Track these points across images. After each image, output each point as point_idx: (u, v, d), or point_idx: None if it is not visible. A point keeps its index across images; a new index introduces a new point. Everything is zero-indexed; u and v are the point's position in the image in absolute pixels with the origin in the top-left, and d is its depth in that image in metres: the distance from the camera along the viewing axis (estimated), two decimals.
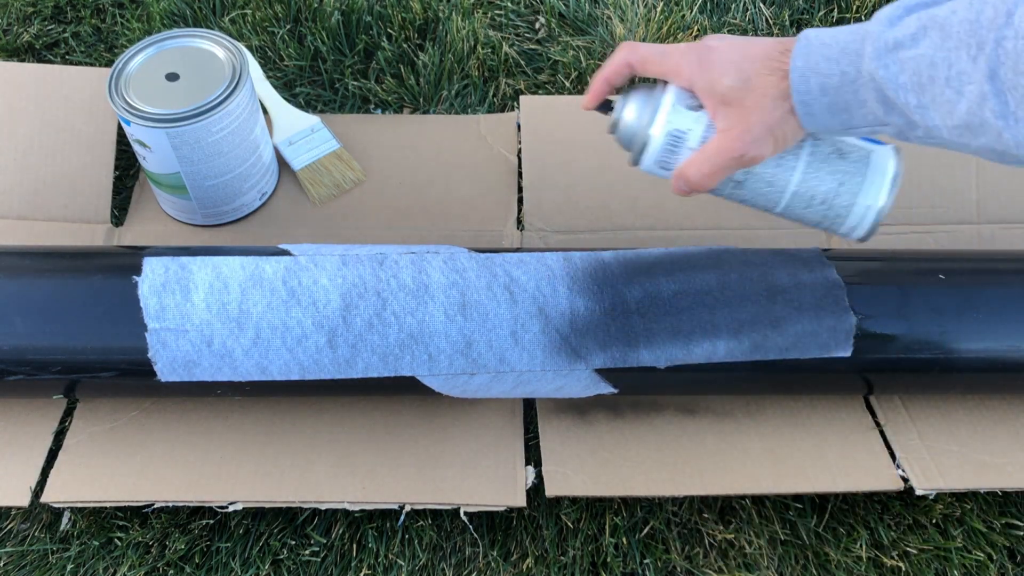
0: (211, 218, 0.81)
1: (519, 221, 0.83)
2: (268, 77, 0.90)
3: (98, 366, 0.63)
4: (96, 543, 0.67)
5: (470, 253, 0.66)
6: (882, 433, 0.72)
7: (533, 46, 0.97)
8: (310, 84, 0.93)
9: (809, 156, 0.56)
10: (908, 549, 0.68)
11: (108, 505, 0.68)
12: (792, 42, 0.50)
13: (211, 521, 0.69)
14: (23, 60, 0.96)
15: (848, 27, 0.49)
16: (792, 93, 0.50)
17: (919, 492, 0.68)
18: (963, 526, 0.69)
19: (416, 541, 0.68)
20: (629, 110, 0.57)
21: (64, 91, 0.84)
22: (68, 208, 0.82)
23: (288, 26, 0.96)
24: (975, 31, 0.43)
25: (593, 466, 0.69)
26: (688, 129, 0.55)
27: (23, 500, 0.66)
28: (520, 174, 0.85)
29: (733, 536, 0.69)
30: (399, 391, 0.68)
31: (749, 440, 0.71)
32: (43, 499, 0.66)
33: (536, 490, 0.69)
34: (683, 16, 0.98)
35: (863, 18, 0.98)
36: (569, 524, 0.69)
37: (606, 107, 0.59)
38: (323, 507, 0.68)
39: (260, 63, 0.92)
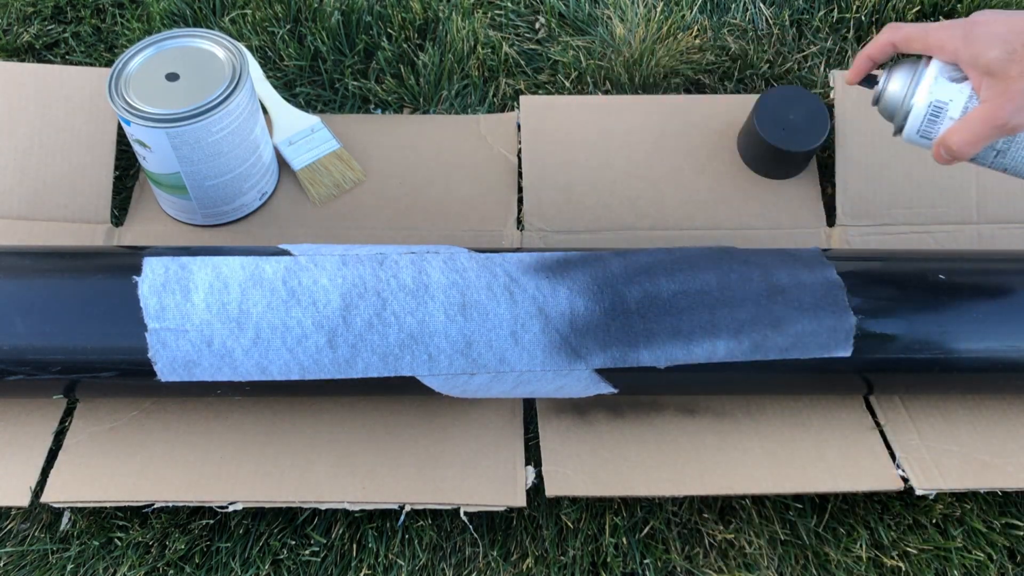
0: (211, 218, 0.81)
1: (519, 221, 0.83)
2: (268, 77, 0.90)
3: (98, 366, 0.63)
4: (96, 543, 0.67)
5: (470, 253, 0.66)
6: (882, 433, 0.72)
7: (533, 46, 0.97)
8: (310, 84, 0.93)
9: None
10: (908, 549, 0.68)
11: (108, 505, 0.68)
12: None
13: (211, 521, 0.69)
14: (23, 60, 0.96)
15: None
16: None
17: (919, 492, 0.68)
18: (963, 526, 0.69)
19: (416, 541, 0.68)
20: (893, 82, 0.61)
21: (64, 91, 0.84)
22: (68, 208, 0.82)
23: (288, 26, 0.96)
24: None
25: (593, 466, 0.69)
26: (950, 99, 0.58)
27: (23, 500, 0.66)
28: (520, 174, 0.85)
29: (733, 536, 0.69)
30: (399, 391, 0.68)
31: (749, 440, 0.71)
32: (43, 499, 0.66)
33: (536, 490, 0.69)
34: (683, 16, 0.98)
35: (863, 18, 0.98)
36: (569, 524, 0.69)
37: (870, 81, 0.63)
38: (323, 507, 0.68)
39: (260, 63, 0.92)
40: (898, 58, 0.62)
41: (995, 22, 0.56)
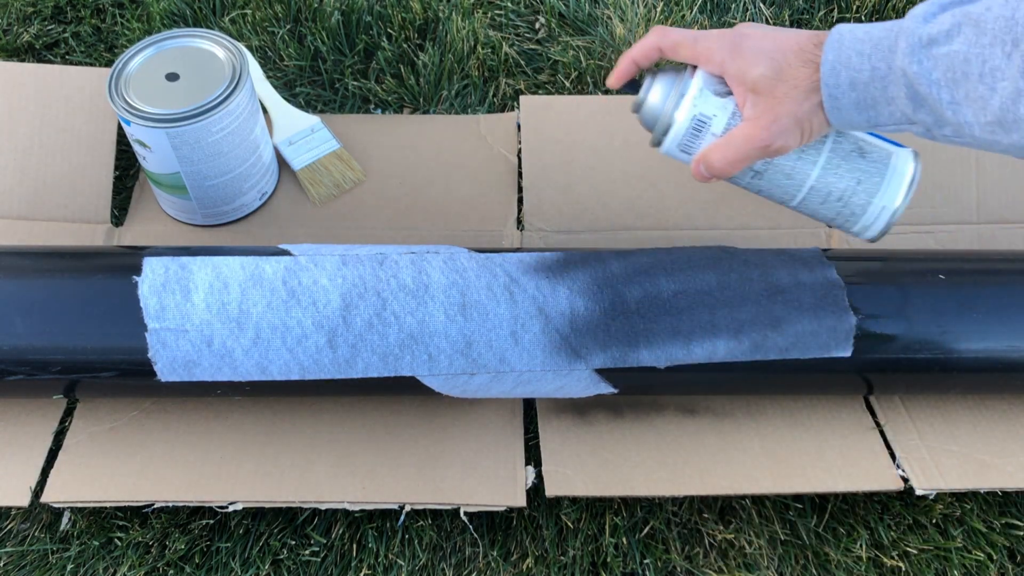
0: (211, 218, 0.81)
1: (519, 221, 0.83)
2: (268, 77, 0.90)
3: (98, 366, 0.63)
4: (96, 543, 0.67)
5: (470, 253, 0.66)
6: (882, 433, 0.72)
7: (533, 46, 0.97)
8: (310, 84, 0.93)
9: (831, 152, 0.57)
10: (908, 549, 0.68)
11: (108, 505, 0.68)
12: (825, 35, 0.50)
13: (211, 521, 0.69)
14: (23, 60, 0.96)
15: (882, 23, 0.50)
16: (822, 87, 0.50)
17: (919, 492, 0.68)
18: (963, 526, 0.69)
19: (416, 541, 0.68)
20: (655, 92, 0.58)
21: (64, 91, 0.84)
22: (68, 208, 0.82)
23: (288, 26, 0.96)
24: (1010, 28, 0.44)
25: (593, 466, 0.69)
26: (713, 115, 0.55)
27: (23, 500, 0.66)
28: (520, 174, 0.85)
29: (733, 536, 0.69)
30: (399, 391, 0.68)
31: (749, 440, 0.71)
32: (43, 499, 0.66)
33: (536, 490, 0.69)
34: (683, 16, 0.98)
35: (863, 18, 0.98)
36: (569, 524, 0.69)
37: (633, 87, 0.59)
38: (323, 507, 0.68)
39: (260, 63, 0.92)
40: (663, 64, 0.59)
41: (762, 37, 0.53)
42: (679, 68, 0.58)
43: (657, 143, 0.59)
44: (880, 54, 0.48)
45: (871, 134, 0.58)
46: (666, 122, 0.57)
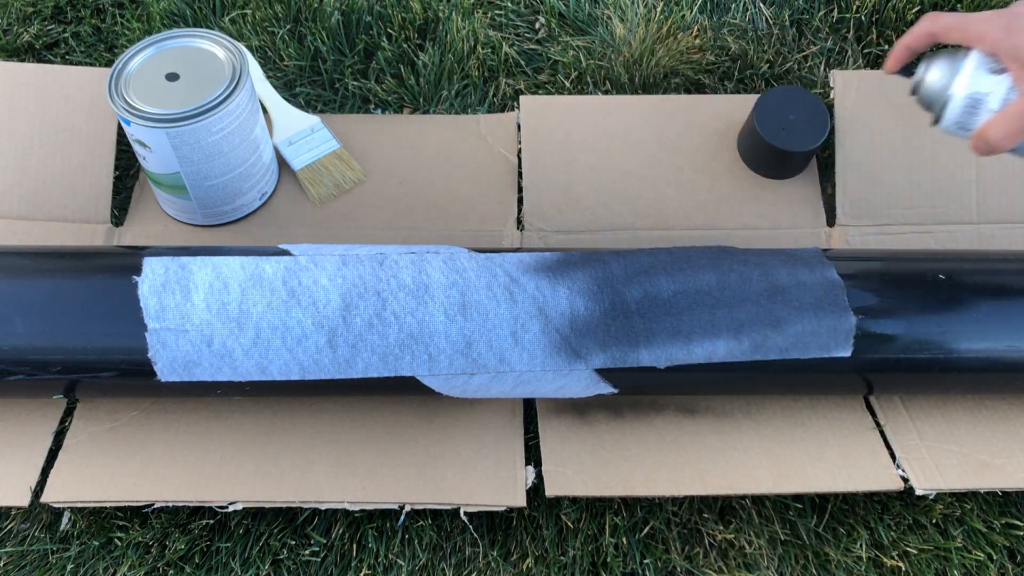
0: (211, 218, 0.81)
1: (519, 221, 0.83)
2: (268, 77, 0.90)
3: (98, 366, 0.63)
4: (96, 543, 0.67)
5: (470, 253, 0.66)
6: (882, 433, 0.72)
7: (533, 46, 0.97)
8: (310, 84, 0.93)
9: None
10: (908, 549, 0.68)
11: (108, 505, 0.68)
12: None
13: (211, 521, 0.69)
14: (23, 60, 0.96)
15: None
16: None
17: (919, 492, 0.68)
18: (963, 526, 0.69)
19: (416, 541, 0.68)
20: (932, 72, 0.60)
21: (64, 91, 0.84)
22: (68, 208, 0.82)
23: (288, 26, 0.96)
24: None
25: (593, 466, 0.69)
26: (989, 91, 0.58)
27: (23, 500, 0.66)
28: (520, 174, 0.85)
29: (733, 536, 0.69)
30: (399, 391, 0.68)
31: (749, 440, 0.71)
32: (43, 499, 0.66)
33: (536, 490, 0.69)
34: (683, 16, 0.98)
35: (863, 18, 0.98)
36: (569, 524, 0.69)
37: (908, 71, 0.62)
38: (323, 507, 0.68)
39: (260, 63, 0.92)
40: (937, 48, 0.62)
41: None
42: (953, 51, 0.60)
43: (936, 121, 0.62)
44: None
45: None
46: (943, 101, 0.60)
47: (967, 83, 0.59)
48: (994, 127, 0.57)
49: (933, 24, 0.60)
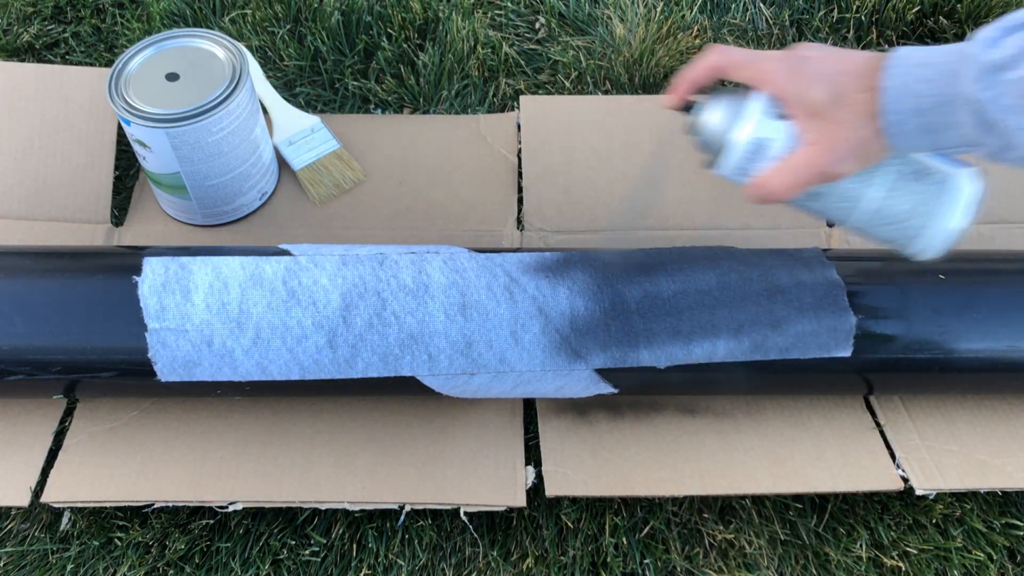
0: (211, 218, 0.81)
1: (519, 221, 0.83)
2: (268, 77, 0.90)
3: (98, 366, 0.63)
4: (96, 543, 0.67)
5: (470, 253, 0.66)
6: (882, 433, 0.72)
7: (533, 46, 0.97)
8: (310, 84, 0.93)
9: (889, 175, 0.56)
10: (908, 549, 0.68)
11: (108, 505, 0.68)
12: (884, 59, 0.50)
13: (211, 521, 0.69)
14: (23, 60, 0.96)
15: (940, 47, 0.49)
16: (883, 114, 0.50)
17: (919, 492, 0.68)
18: (963, 526, 0.69)
19: (416, 541, 0.68)
20: (713, 114, 0.57)
21: (64, 91, 0.84)
22: (68, 208, 0.82)
23: (288, 26, 0.96)
24: None
25: (593, 466, 0.69)
26: (772, 138, 0.55)
27: (23, 500, 0.66)
28: (520, 174, 0.85)
29: (733, 536, 0.69)
30: (399, 391, 0.68)
31: (749, 440, 0.71)
32: (43, 499, 0.66)
33: (536, 490, 0.69)
34: (683, 16, 0.98)
35: (863, 18, 0.98)
36: (569, 524, 0.69)
37: (687, 107, 0.59)
38: (323, 507, 0.68)
39: (260, 63, 0.92)
40: (718, 84, 0.58)
41: (822, 59, 0.53)
42: (736, 90, 0.57)
43: (711, 165, 0.58)
44: (944, 80, 0.48)
45: (931, 155, 0.57)
46: (723, 145, 0.57)
47: (751, 128, 0.55)
48: (776, 177, 0.54)
49: (720, 58, 0.56)
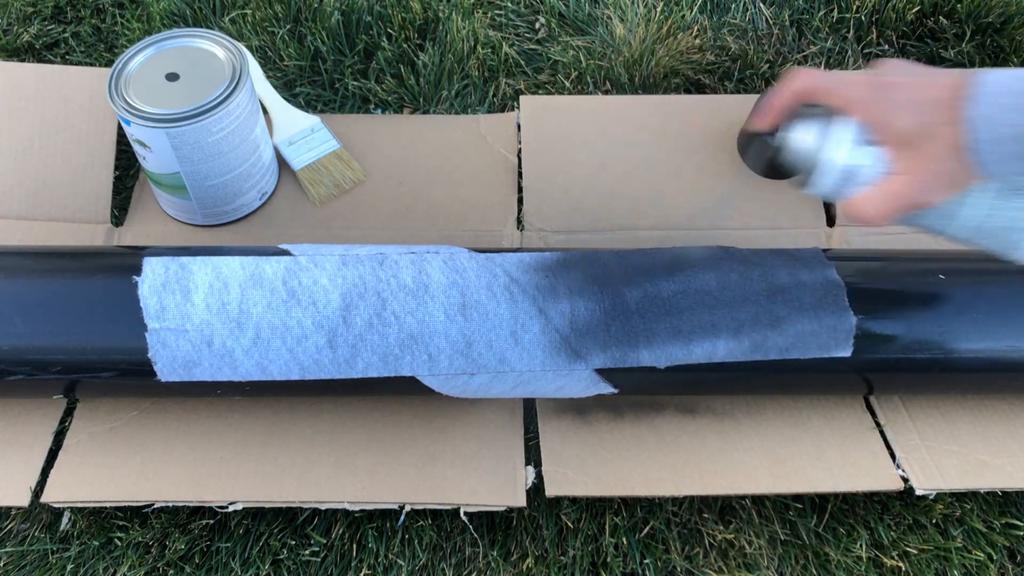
0: (211, 218, 0.81)
1: (519, 221, 0.83)
2: (268, 77, 0.90)
3: (98, 366, 0.63)
4: (96, 543, 0.67)
5: (470, 253, 0.66)
6: (882, 433, 0.72)
7: (533, 46, 0.97)
8: (310, 84, 0.93)
9: (986, 195, 0.56)
10: (908, 549, 0.68)
11: (108, 505, 0.68)
12: (969, 85, 0.50)
13: (211, 521, 0.69)
14: (23, 60, 0.96)
15: (1018, 72, 0.49)
16: (973, 143, 0.50)
17: (919, 492, 0.68)
18: (963, 526, 0.69)
19: (416, 541, 0.68)
20: (804, 137, 0.58)
21: (64, 91, 0.84)
22: (68, 208, 0.82)
23: (288, 26, 0.96)
24: None
25: (593, 466, 0.69)
26: (863, 165, 0.55)
27: (23, 500, 0.67)
28: (520, 174, 0.85)
29: (733, 536, 0.69)
30: (399, 391, 0.68)
31: (749, 440, 0.71)
32: (43, 499, 0.66)
33: (536, 490, 0.69)
34: (683, 16, 0.98)
35: (863, 18, 0.98)
36: (569, 524, 0.69)
37: (772, 132, 0.60)
38: (323, 507, 0.68)
39: (260, 63, 0.92)
40: (802, 107, 0.59)
41: (908, 85, 0.53)
42: (825, 113, 0.57)
43: (804, 185, 0.59)
44: None
45: None
46: (814, 169, 0.57)
47: (843, 155, 0.56)
48: (870, 205, 0.55)
49: (806, 83, 0.57)
